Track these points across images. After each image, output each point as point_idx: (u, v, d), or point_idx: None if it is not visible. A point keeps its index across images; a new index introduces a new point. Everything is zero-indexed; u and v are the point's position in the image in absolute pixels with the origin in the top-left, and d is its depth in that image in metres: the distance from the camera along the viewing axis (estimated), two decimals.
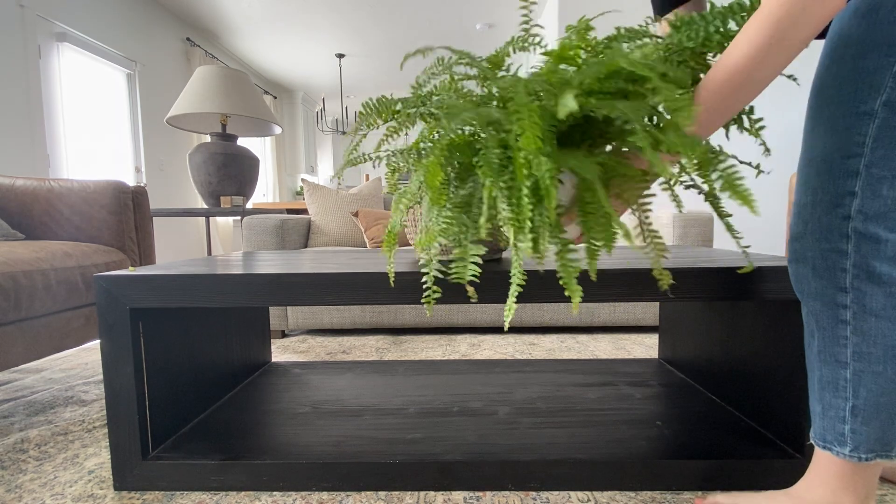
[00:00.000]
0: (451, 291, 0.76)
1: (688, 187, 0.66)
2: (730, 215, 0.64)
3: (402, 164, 0.63)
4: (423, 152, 0.61)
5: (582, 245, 0.61)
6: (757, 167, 0.69)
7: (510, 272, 0.66)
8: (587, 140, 0.57)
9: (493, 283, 0.76)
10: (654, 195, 0.57)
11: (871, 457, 0.61)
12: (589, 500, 0.77)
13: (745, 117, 0.64)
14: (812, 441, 0.66)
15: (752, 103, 0.62)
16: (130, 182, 3.56)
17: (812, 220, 0.62)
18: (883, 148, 0.56)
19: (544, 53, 0.56)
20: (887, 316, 0.58)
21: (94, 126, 3.23)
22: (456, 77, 0.62)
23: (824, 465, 0.64)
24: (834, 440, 0.62)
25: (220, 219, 4.50)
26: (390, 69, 5.61)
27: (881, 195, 0.57)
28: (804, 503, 0.65)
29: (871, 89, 0.56)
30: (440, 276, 0.69)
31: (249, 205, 3.82)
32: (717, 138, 3.35)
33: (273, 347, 1.77)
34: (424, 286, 0.70)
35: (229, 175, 2.22)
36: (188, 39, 4.19)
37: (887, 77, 0.55)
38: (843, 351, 0.61)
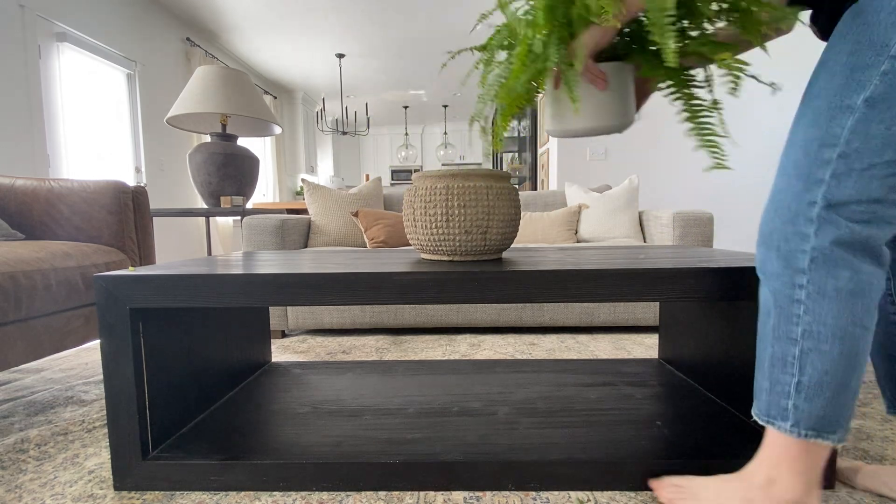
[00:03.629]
0: (452, 290, 0.76)
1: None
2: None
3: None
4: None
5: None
6: (772, 84, 0.79)
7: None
8: None
9: (493, 283, 0.76)
10: None
11: (812, 434, 0.63)
12: (589, 500, 0.77)
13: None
14: (755, 416, 0.68)
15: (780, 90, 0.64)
16: (130, 182, 3.56)
17: (782, 205, 0.65)
18: (857, 142, 0.59)
19: None
20: (839, 298, 0.61)
21: (94, 126, 3.23)
22: None
23: (772, 447, 0.66)
24: (777, 415, 0.65)
25: (220, 219, 4.50)
26: (390, 69, 5.61)
27: (847, 186, 0.60)
28: (751, 484, 0.67)
29: (857, 85, 0.59)
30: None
31: (249, 205, 3.82)
32: None
33: (273, 347, 1.77)
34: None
35: (229, 175, 2.22)
36: (188, 39, 4.19)
37: (875, 75, 0.58)
38: (794, 329, 0.63)
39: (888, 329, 0.76)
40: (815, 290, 0.62)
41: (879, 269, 0.62)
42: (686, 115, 0.67)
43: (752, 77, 0.70)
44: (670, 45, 0.58)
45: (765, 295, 0.68)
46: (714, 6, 0.66)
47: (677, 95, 0.69)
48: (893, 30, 0.56)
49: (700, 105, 0.68)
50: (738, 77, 0.63)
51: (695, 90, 0.69)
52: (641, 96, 0.84)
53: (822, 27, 0.72)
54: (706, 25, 0.69)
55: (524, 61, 0.70)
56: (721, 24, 0.71)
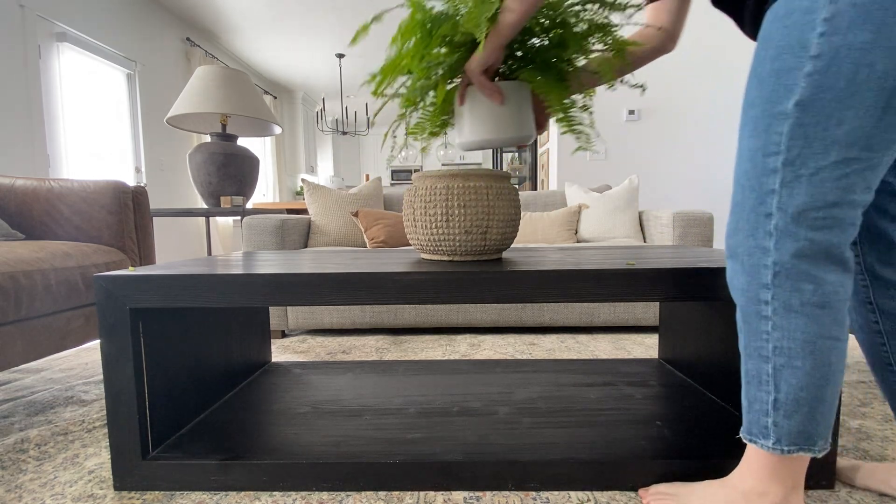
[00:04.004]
0: (452, 290, 0.76)
1: None
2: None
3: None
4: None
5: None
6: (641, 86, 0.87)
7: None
8: None
9: (493, 283, 0.76)
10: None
11: (794, 449, 0.62)
12: (589, 500, 0.77)
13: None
14: (741, 434, 0.68)
15: None
16: (130, 182, 3.56)
17: (741, 218, 0.64)
18: (798, 147, 0.58)
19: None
20: (805, 312, 0.60)
21: (94, 126, 3.23)
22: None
23: (754, 457, 0.66)
24: (759, 433, 0.64)
25: (220, 219, 4.50)
26: None
27: (800, 193, 0.59)
28: (736, 491, 0.67)
29: (786, 90, 0.58)
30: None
31: (249, 205, 3.82)
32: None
33: (273, 347, 1.77)
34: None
35: (229, 175, 2.22)
36: (188, 39, 4.20)
37: (800, 77, 0.57)
38: (765, 346, 0.63)
39: (873, 339, 0.74)
40: (780, 306, 0.61)
41: (845, 276, 0.61)
42: (554, 108, 0.76)
43: (621, 82, 0.83)
44: (482, 38, 0.68)
45: (737, 310, 0.67)
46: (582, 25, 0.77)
47: (551, 101, 0.77)
48: (809, 30, 0.56)
49: (568, 104, 0.77)
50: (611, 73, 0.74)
51: (566, 84, 0.78)
52: (546, 117, 0.89)
53: (751, 33, 0.74)
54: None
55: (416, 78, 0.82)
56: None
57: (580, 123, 0.78)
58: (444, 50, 0.77)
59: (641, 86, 0.86)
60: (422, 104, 0.84)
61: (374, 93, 0.81)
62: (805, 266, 0.60)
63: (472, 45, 0.76)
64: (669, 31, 0.86)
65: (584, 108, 0.79)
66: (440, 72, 0.78)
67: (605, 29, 0.77)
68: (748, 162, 0.63)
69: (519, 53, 0.80)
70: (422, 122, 0.86)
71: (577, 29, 0.76)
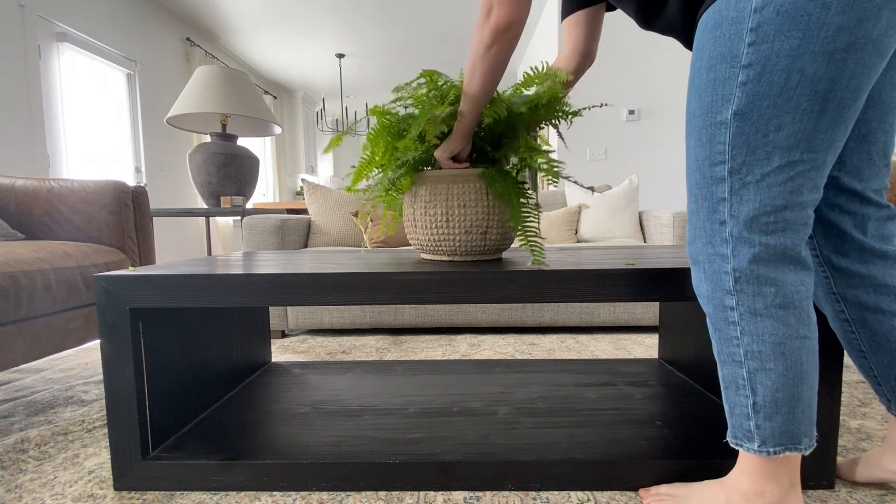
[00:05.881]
0: (452, 290, 0.76)
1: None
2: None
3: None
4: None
5: None
6: (591, 188, 0.92)
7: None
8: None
9: (493, 283, 0.76)
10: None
11: (780, 450, 0.62)
12: (589, 500, 0.77)
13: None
14: (727, 439, 0.68)
15: None
16: (130, 182, 3.56)
17: (698, 226, 0.66)
18: (742, 155, 0.59)
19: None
20: (770, 315, 0.61)
21: (94, 126, 3.23)
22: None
23: (747, 458, 0.66)
24: (743, 437, 0.65)
25: (220, 219, 4.50)
26: (390, 69, 5.61)
27: (749, 199, 0.60)
28: (734, 492, 0.67)
29: (723, 100, 0.60)
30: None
31: (249, 205, 3.82)
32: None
33: (273, 347, 1.77)
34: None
35: (229, 175, 2.22)
36: (188, 39, 4.20)
37: (734, 87, 0.58)
38: (737, 351, 0.63)
39: (843, 327, 0.74)
40: (746, 311, 0.62)
41: (804, 274, 0.62)
42: (513, 221, 0.81)
43: (568, 178, 0.86)
44: (433, 140, 0.81)
45: (707, 318, 0.68)
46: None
47: (505, 198, 0.81)
48: (738, 40, 0.57)
49: (528, 211, 0.81)
50: (557, 175, 0.78)
51: (523, 193, 0.83)
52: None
53: (687, 45, 0.76)
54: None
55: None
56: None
57: (536, 234, 0.82)
58: (414, 143, 0.89)
59: (591, 188, 0.93)
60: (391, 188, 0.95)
61: (350, 189, 0.92)
62: (763, 270, 0.61)
63: (435, 138, 0.88)
64: (584, 49, 0.92)
65: (537, 208, 0.84)
66: (410, 160, 0.90)
67: (551, 105, 0.84)
68: (697, 172, 0.64)
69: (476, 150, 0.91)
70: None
71: (521, 110, 0.83)
